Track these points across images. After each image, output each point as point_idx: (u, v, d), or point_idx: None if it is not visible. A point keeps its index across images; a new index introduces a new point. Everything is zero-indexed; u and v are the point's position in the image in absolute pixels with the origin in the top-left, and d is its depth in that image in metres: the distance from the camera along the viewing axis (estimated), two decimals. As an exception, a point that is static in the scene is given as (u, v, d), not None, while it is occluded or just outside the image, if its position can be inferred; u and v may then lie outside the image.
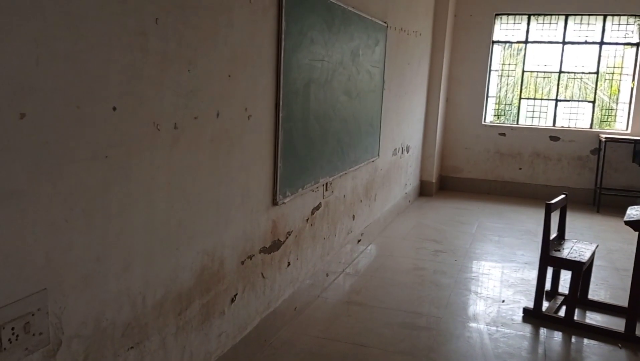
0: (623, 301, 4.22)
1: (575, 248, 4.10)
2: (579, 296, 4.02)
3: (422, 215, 6.99)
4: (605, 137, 7.44)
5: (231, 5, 2.69)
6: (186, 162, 2.46)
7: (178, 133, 2.38)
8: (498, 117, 8.50)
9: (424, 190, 7.98)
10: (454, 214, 7.04)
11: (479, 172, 8.41)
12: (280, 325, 3.62)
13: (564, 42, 7.93)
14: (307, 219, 3.97)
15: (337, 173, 4.41)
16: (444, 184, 8.51)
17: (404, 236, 6.06)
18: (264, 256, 3.33)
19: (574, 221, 6.86)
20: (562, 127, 8.08)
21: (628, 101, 7.79)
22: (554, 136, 8.01)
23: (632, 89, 7.72)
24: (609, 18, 7.72)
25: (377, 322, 3.85)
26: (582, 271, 3.86)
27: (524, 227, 6.57)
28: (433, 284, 4.59)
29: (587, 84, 8.06)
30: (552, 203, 3.93)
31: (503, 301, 4.28)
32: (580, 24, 7.84)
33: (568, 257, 3.91)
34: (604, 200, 7.50)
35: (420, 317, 3.94)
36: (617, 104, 7.99)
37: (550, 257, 3.93)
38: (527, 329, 3.83)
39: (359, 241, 5.27)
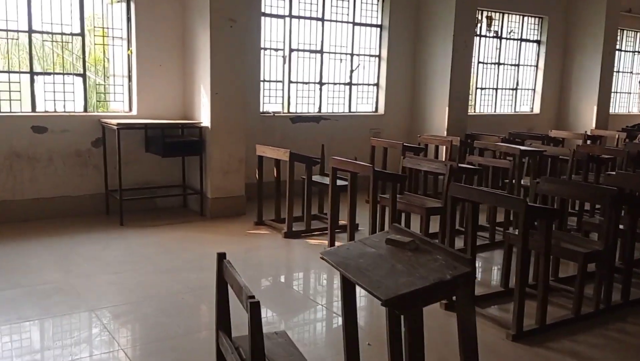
0: None
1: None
2: None
3: None
4: (118, 123, 5.46)
5: None
6: None
7: None
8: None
9: None
10: None
11: None
12: None
13: (27, -12, 5.37)
14: None
15: None
16: None
17: None
18: None
19: (102, 250, 4.73)
20: (48, 112, 5.58)
21: (127, 73, 6.01)
22: (39, 126, 5.44)
23: (129, 57, 5.97)
24: (86, -41, 5.62)
25: None
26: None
27: (46, 278, 3.99)
28: None
29: (70, 49, 5.80)
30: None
31: None
32: (48, -37, 5.45)
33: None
34: (124, 205, 5.57)
35: None
36: (107, 77, 6.10)
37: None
38: None
39: None
